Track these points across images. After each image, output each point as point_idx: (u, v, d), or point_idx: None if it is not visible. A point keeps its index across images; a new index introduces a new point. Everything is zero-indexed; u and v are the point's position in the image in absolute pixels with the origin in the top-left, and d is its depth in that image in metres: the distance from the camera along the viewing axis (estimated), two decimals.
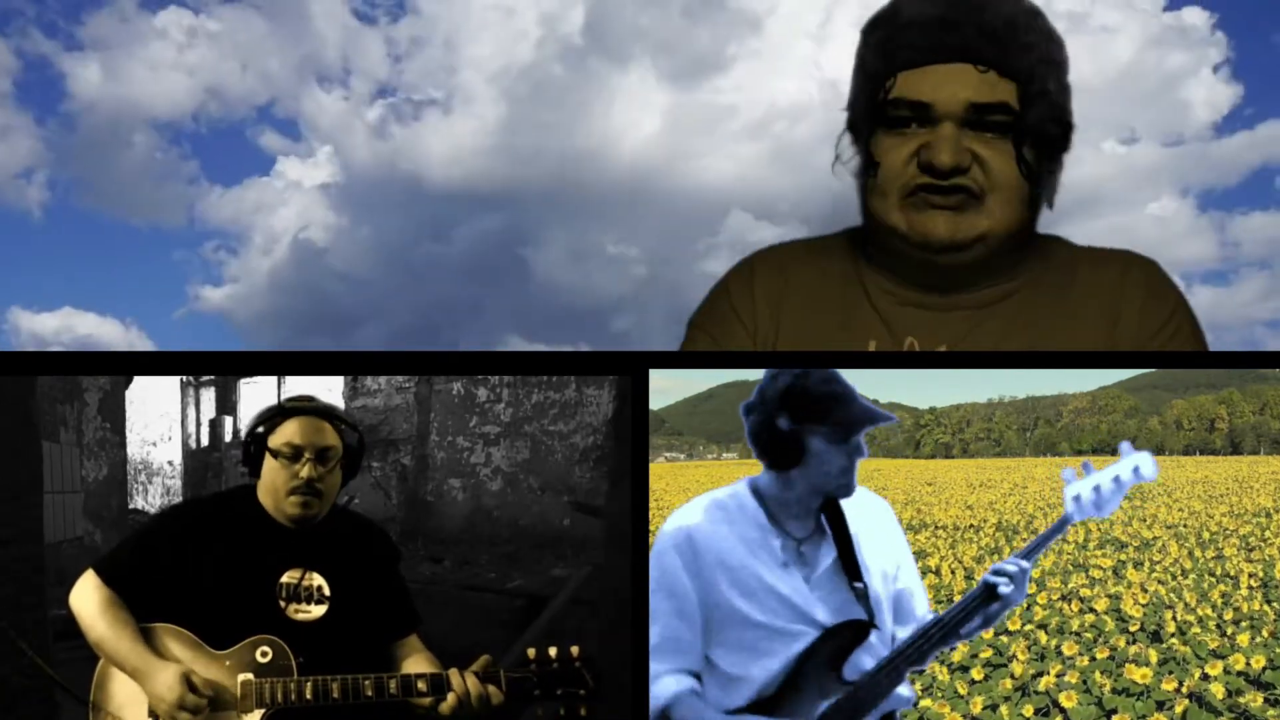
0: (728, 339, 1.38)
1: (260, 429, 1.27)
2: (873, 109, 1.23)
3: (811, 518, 1.09)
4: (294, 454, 1.24)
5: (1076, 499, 1.03)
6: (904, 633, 1.09)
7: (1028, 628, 2.36)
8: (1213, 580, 2.53)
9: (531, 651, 1.17)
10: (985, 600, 1.06)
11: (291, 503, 1.24)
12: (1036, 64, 1.21)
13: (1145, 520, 3.09)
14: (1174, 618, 2.34)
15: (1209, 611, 2.33)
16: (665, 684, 1.07)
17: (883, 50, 1.22)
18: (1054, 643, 2.29)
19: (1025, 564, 1.07)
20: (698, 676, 1.08)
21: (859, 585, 1.08)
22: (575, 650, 1.16)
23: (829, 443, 1.04)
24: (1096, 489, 1.02)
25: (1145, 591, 2.53)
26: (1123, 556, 2.79)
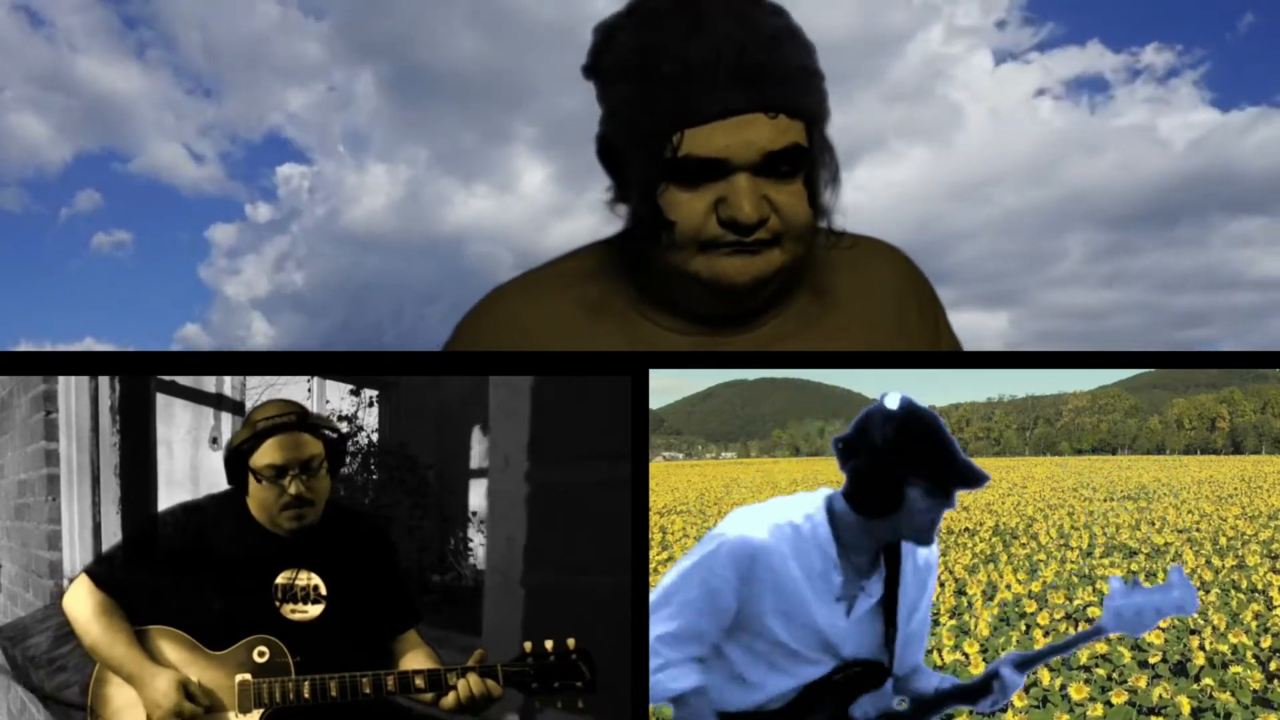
0: None
1: (239, 449, 1.24)
2: (657, 166, 1.15)
3: (874, 554, 1.07)
4: (278, 474, 1.23)
5: (1117, 614, 1.03)
6: (899, 669, 1.09)
7: None
8: (1241, 597, 2.26)
9: (528, 645, 1.16)
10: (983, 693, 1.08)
11: (285, 517, 1.24)
12: (815, 92, 1.17)
13: (1154, 524, 2.91)
14: (1202, 645, 2.06)
15: (1244, 639, 2.04)
16: (675, 675, 1.07)
17: (660, 106, 1.13)
18: (1058, 683, 2.05)
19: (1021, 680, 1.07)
20: (703, 661, 1.08)
21: (892, 631, 1.07)
22: (571, 643, 1.16)
23: (927, 495, 1.02)
24: (1139, 611, 1.02)
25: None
26: (1134, 566, 2.58)
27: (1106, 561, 2.60)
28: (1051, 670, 2.07)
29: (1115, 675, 2.05)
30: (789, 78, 1.14)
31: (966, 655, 2.04)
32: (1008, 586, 2.44)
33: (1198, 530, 2.78)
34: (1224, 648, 2.02)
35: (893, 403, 1.03)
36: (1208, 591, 2.34)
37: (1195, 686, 1.94)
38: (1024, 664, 1.08)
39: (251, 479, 1.24)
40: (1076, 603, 2.27)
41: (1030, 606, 2.28)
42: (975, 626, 2.27)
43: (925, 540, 1.04)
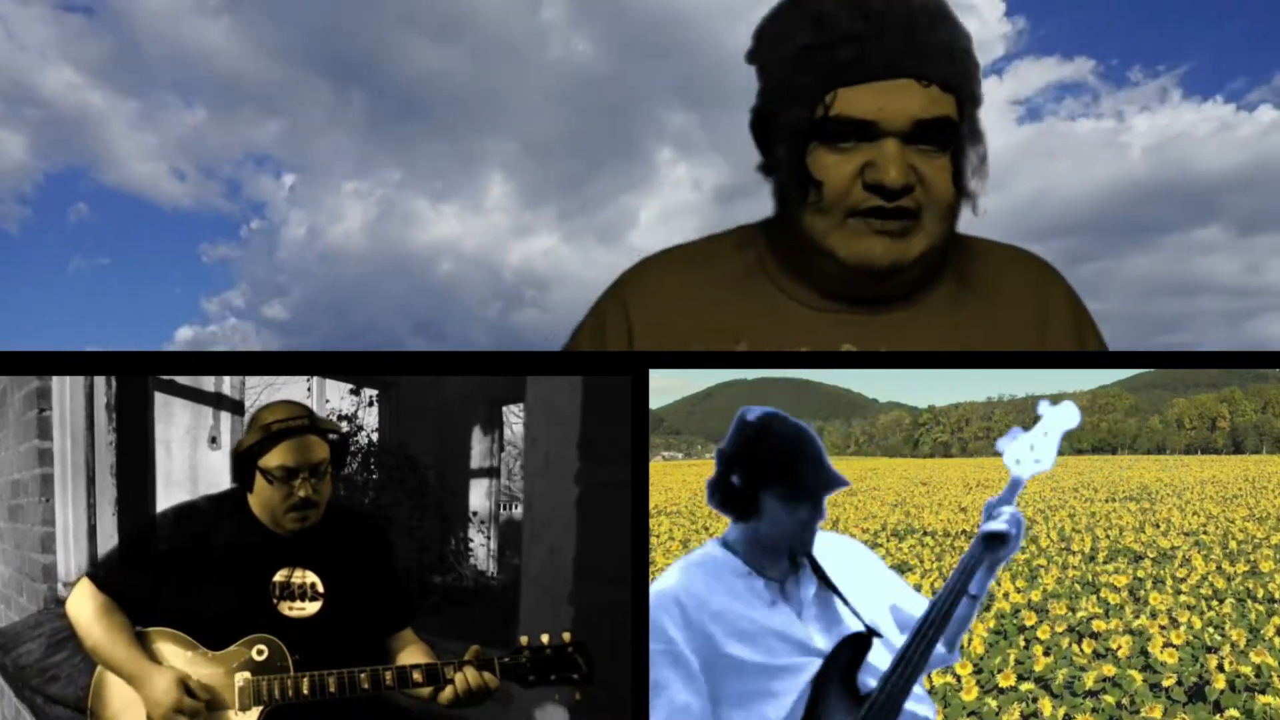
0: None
1: (249, 450, 1.24)
2: (809, 125, 1.17)
3: (784, 559, 1.08)
4: (288, 476, 1.23)
5: (1018, 461, 1.04)
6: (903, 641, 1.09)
7: (1024, 686, 1.95)
8: (1259, 609, 2.05)
9: (524, 639, 1.17)
10: (983, 555, 1.05)
11: (290, 519, 1.24)
12: (970, 73, 1.19)
13: (1159, 526, 2.77)
14: (1221, 666, 1.85)
15: (1268, 658, 1.82)
16: None
17: (817, 64, 1.16)
18: (1060, 712, 1.86)
19: (1014, 509, 1.05)
20: None
21: (846, 604, 1.07)
22: (567, 636, 1.16)
23: (783, 502, 1.04)
24: (1032, 446, 1.04)
25: (1176, 624, 2.04)
26: (1140, 573, 2.38)
27: (1110, 568, 2.43)
28: (1054, 698, 1.91)
29: (1126, 702, 1.88)
30: (945, 52, 1.16)
31: (958, 678, 1.92)
32: (1005, 596, 2.32)
33: (1205, 533, 2.65)
34: (1246, 669, 1.83)
35: (750, 415, 1.06)
36: (1221, 601, 2.15)
37: (1219, 718, 1.76)
38: (992, 510, 1.06)
39: (259, 479, 1.24)
40: (1080, 614, 2.12)
41: (1030, 618, 2.13)
42: (969, 643, 2.08)
43: (802, 549, 1.06)
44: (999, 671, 1.95)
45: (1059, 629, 2.07)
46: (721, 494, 1.06)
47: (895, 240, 1.19)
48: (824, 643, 1.06)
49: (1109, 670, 1.92)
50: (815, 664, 1.05)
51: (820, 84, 1.15)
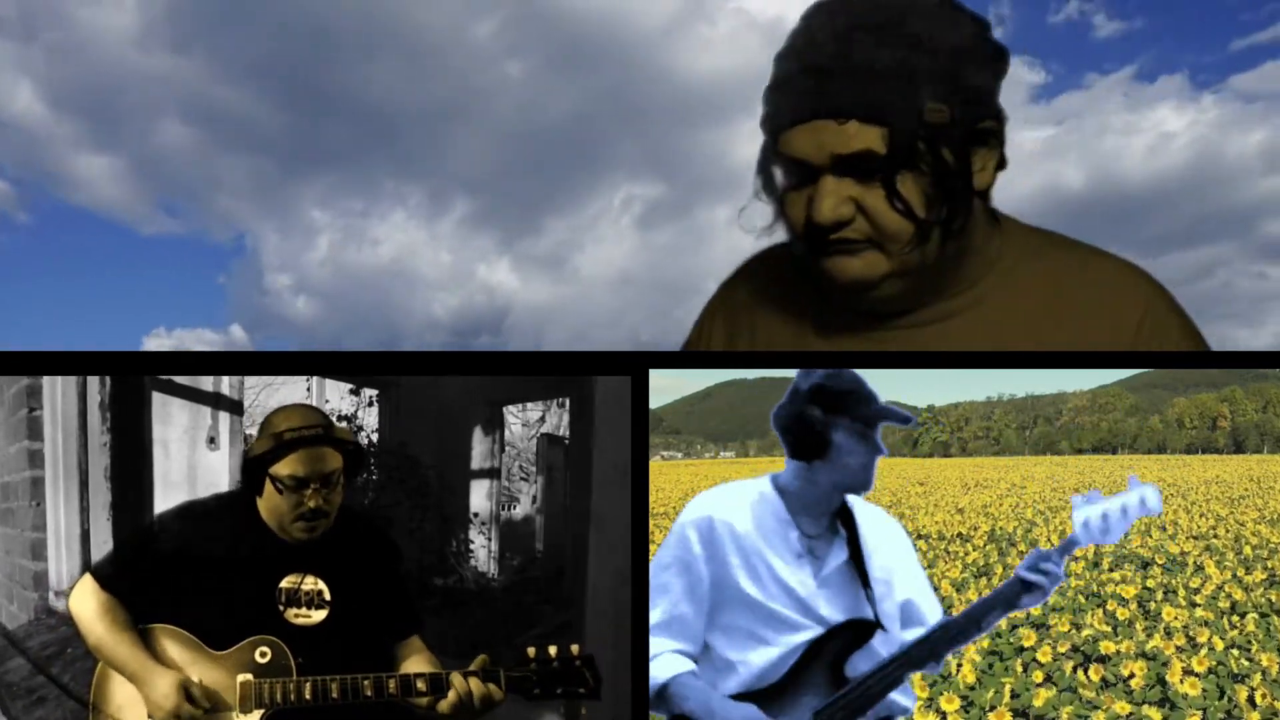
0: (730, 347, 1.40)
1: (261, 456, 1.23)
2: (770, 169, 1.24)
3: (826, 517, 1.12)
4: (299, 485, 1.22)
5: (1085, 524, 1.04)
6: (911, 635, 1.10)
7: None
8: None
9: (531, 650, 1.16)
10: (1013, 599, 1.07)
11: (298, 528, 1.23)
12: (902, 95, 1.14)
13: (1165, 529, 2.62)
14: (1253, 700, 1.63)
15: None
16: (665, 662, 1.09)
17: (766, 113, 1.22)
18: None
19: (1060, 569, 1.07)
20: (695, 661, 1.10)
21: (868, 591, 1.10)
22: (575, 649, 1.15)
23: (851, 436, 1.08)
24: (1105, 516, 1.04)
25: (1195, 646, 1.79)
26: (1150, 582, 2.17)
27: (1117, 575, 2.21)
28: None
29: None
30: (863, 84, 1.14)
31: (944, 715, 1.74)
32: None
33: (1215, 537, 2.52)
34: None
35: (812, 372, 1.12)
36: (1243, 617, 1.94)
37: None
38: (1039, 562, 1.07)
39: (269, 485, 1.23)
40: (1086, 631, 1.89)
41: (1029, 637, 1.90)
42: (957, 671, 1.88)
43: (864, 487, 1.10)
44: (991, 709, 1.78)
45: (1061, 649, 1.86)
46: (797, 429, 1.10)
47: (851, 259, 1.21)
48: (829, 612, 1.09)
49: (1122, 709, 1.68)
50: (812, 630, 1.08)
51: (769, 132, 1.21)
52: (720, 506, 1.12)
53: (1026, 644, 1.90)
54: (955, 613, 1.08)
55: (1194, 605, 2.03)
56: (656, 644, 1.10)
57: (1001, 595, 1.07)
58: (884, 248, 1.20)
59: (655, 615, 1.10)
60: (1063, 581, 1.07)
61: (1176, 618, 1.96)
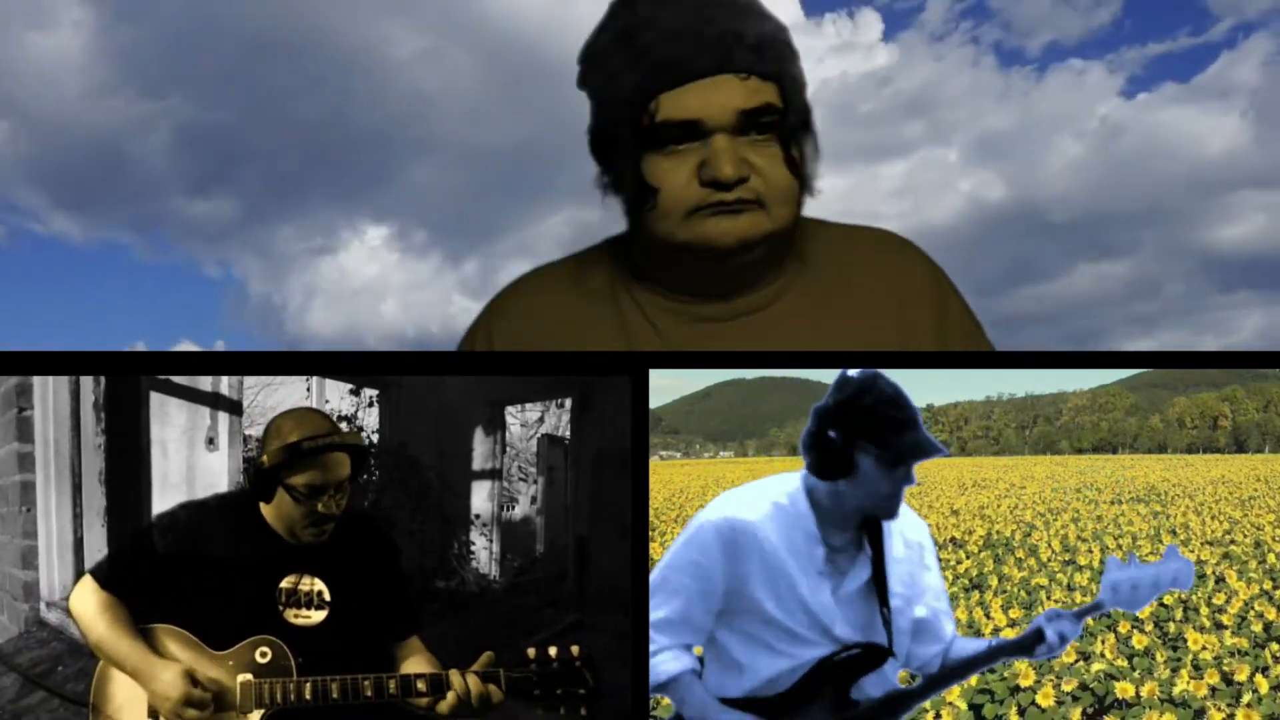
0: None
1: (276, 467, 1.21)
2: (638, 134, 1.21)
3: (852, 530, 1.09)
4: (314, 493, 1.21)
5: (1114, 588, 1.05)
6: (923, 649, 1.10)
7: None
8: None
9: (532, 651, 1.16)
10: (1025, 649, 1.08)
11: (309, 533, 1.23)
12: (786, 60, 1.23)
13: (1176, 533, 2.40)
14: None
15: None
16: (668, 660, 1.08)
17: (636, 73, 1.20)
18: None
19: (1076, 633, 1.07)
20: (699, 656, 1.09)
21: (886, 611, 1.08)
22: (575, 650, 1.15)
23: (879, 464, 1.03)
24: (1134, 586, 1.04)
25: (1232, 686, 1.45)
26: (1166, 598, 1.73)
27: None
28: None
29: None
30: (758, 43, 1.20)
31: None
32: (995, 633, 1.80)
33: (1233, 542, 2.23)
34: None
35: (852, 372, 1.06)
36: None
37: None
38: (1056, 620, 1.08)
39: (281, 494, 1.22)
40: (1096, 666, 1.55)
41: (1027, 676, 1.54)
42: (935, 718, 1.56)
43: (888, 515, 1.07)
44: None
45: (1067, 687, 1.52)
46: (818, 451, 1.05)
47: (738, 218, 1.22)
48: (843, 631, 1.07)
49: None
50: (824, 646, 1.06)
51: (642, 93, 1.20)
52: (748, 511, 1.08)
53: (1024, 683, 1.58)
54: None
55: (1220, 627, 1.73)
56: (661, 640, 1.08)
57: (1018, 644, 1.07)
58: (766, 208, 1.22)
59: (663, 613, 1.08)
60: (1069, 641, 1.07)
61: (1205, 648, 1.62)
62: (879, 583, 1.08)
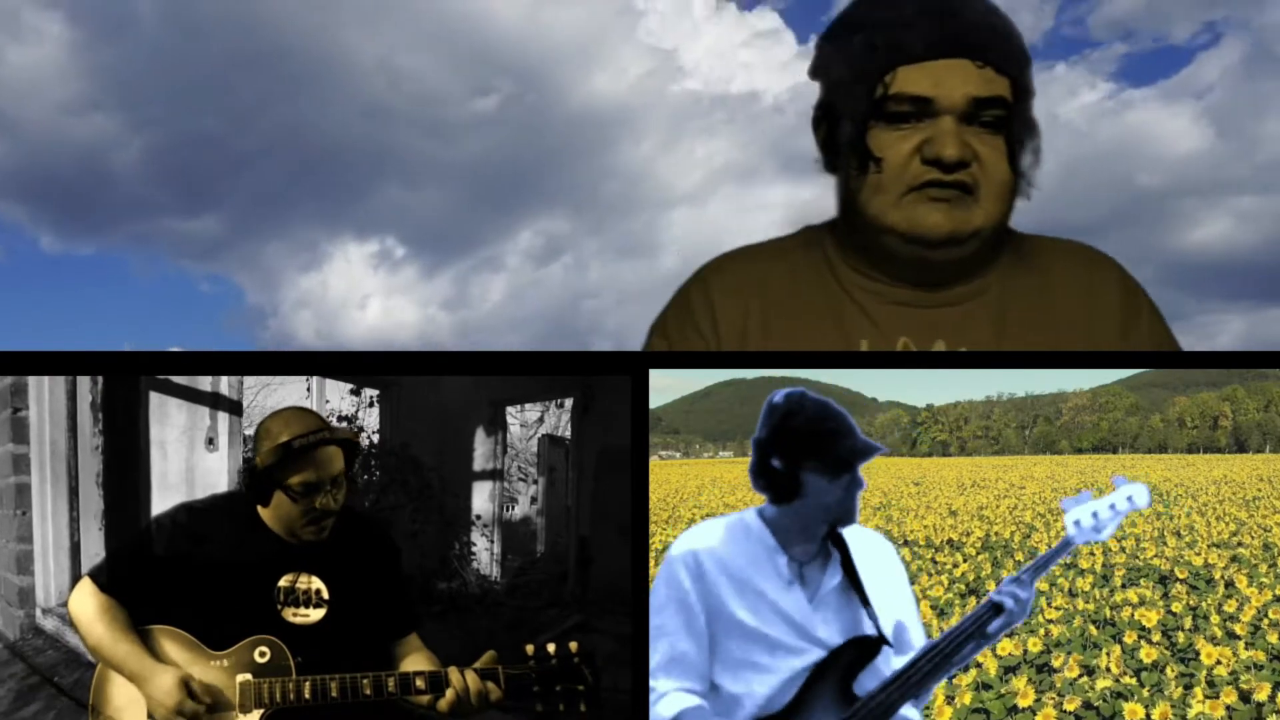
0: (687, 348, 1.40)
1: (270, 468, 1.21)
2: (869, 105, 1.24)
3: (815, 542, 1.10)
4: (310, 491, 1.21)
5: (1077, 523, 1.06)
6: (901, 663, 1.09)
7: None
8: None
9: (530, 648, 1.16)
10: (987, 621, 1.06)
11: (308, 532, 1.23)
12: (1023, 59, 1.25)
13: (1182, 535, 2.20)
14: None
15: None
16: (672, 701, 1.07)
17: (877, 46, 1.23)
18: None
19: (1030, 592, 1.06)
20: (697, 693, 1.08)
21: (869, 607, 1.08)
22: (574, 646, 1.15)
23: (823, 476, 1.06)
24: (1095, 514, 1.06)
25: (1250, 704, 1.32)
26: (1175, 605, 1.69)
27: (1134, 595, 1.76)
28: None
29: None
30: (999, 37, 1.23)
31: None
32: (990, 648, 1.34)
33: (1241, 545, 2.06)
34: None
35: (776, 397, 1.08)
36: None
37: None
38: (1033, 575, 1.08)
39: (279, 494, 1.22)
40: (1101, 683, 1.42)
41: (1026, 694, 1.38)
42: None
43: (846, 520, 1.08)
44: None
45: (1070, 706, 1.36)
46: (765, 479, 1.08)
47: (953, 208, 1.24)
48: (826, 634, 1.08)
49: None
50: (814, 652, 1.07)
51: (880, 66, 1.22)
52: (704, 540, 1.11)
53: (1023, 702, 1.41)
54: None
55: (1233, 637, 1.59)
56: (661, 685, 1.08)
57: (974, 620, 1.05)
58: (978, 199, 1.23)
59: (657, 657, 1.08)
60: (1028, 604, 1.05)
61: (1220, 661, 1.47)
62: (854, 582, 1.09)
